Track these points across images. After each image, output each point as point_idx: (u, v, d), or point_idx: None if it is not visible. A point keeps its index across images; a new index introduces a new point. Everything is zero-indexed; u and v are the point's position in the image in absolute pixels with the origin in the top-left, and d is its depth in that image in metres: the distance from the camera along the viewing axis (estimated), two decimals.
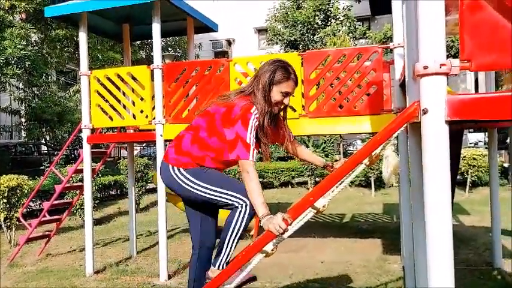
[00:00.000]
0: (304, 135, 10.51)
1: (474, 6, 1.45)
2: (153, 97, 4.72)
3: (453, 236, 5.11)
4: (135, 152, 16.45)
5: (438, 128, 1.51)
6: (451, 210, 4.90)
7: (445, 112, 1.49)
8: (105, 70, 5.12)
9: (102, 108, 4.92)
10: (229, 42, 21.25)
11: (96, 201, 8.97)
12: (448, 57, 1.49)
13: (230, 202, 2.43)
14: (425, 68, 1.50)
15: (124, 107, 4.99)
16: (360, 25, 15.88)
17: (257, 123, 2.40)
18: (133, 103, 4.87)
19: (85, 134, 4.92)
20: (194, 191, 2.48)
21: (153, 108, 4.72)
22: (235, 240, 2.45)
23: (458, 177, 10.01)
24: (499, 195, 4.63)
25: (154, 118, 4.67)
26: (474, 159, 9.73)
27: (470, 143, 13.67)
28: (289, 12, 15.96)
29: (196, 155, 2.51)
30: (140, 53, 15.51)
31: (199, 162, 2.51)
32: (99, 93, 4.90)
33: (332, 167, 2.71)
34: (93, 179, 5.76)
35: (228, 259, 2.47)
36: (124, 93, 4.97)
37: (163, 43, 16.18)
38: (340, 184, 1.94)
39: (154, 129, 4.65)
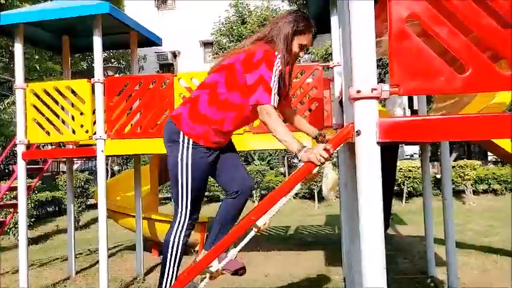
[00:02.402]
0: (250, 150, 10.59)
1: (401, 34, 1.56)
2: (94, 112, 4.59)
3: (391, 246, 5.35)
4: (75, 166, 15.81)
5: (370, 148, 1.59)
6: (389, 221, 5.05)
7: (376, 134, 1.58)
8: (43, 83, 4.92)
9: (39, 123, 4.71)
10: (174, 55, 21.05)
11: (33, 219, 8.52)
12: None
13: (179, 207, 2.42)
14: (358, 92, 1.58)
15: (63, 121, 4.81)
16: None
17: (280, 68, 2.27)
18: (73, 118, 4.71)
19: (20, 149, 4.69)
20: (178, 172, 2.38)
21: (94, 123, 4.58)
22: (171, 265, 2.43)
23: (395, 188, 10.50)
24: (432, 205, 4.90)
25: (95, 133, 4.54)
26: (410, 170, 10.23)
27: (407, 155, 14.35)
28: (234, 27, 16.13)
29: (215, 119, 2.35)
30: (81, 64, 15.02)
31: (218, 126, 2.36)
32: (35, 107, 4.69)
33: (324, 137, 2.61)
34: (29, 195, 5.50)
35: (171, 281, 2.42)
36: (63, 108, 4.80)
37: (106, 55, 15.78)
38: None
39: (95, 145, 4.53)
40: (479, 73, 1.52)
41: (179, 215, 2.42)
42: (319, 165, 1.88)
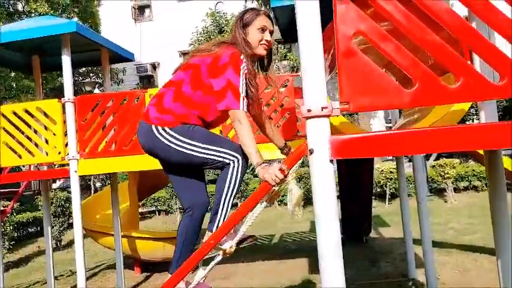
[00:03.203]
0: None
1: (348, 53, 1.57)
2: (66, 133, 4.54)
3: (373, 249, 5.36)
4: (58, 184, 15.58)
5: (324, 166, 1.60)
6: (371, 226, 5.08)
7: (329, 152, 1.59)
8: (13, 105, 4.86)
9: (10, 146, 4.63)
10: (153, 66, 20.95)
11: (13, 242, 8.36)
12: None
13: (221, 159, 2.28)
14: (309, 111, 1.59)
15: (36, 143, 4.73)
16: (281, 47, 16.41)
17: (246, 70, 2.28)
18: (47, 141, 4.64)
19: None
20: (183, 150, 2.29)
21: (67, 144, 4.53)
22: (231, 199, 2.28)
23: (378, 189, 10.58)
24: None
25: (68, 154, 4.48)
26: (391, 172, 10.31)
27: (388, 157, 14.47)
28: (212, 36, 16.14)
29: (180, 113, 2.33)
30: (59, 79, 14.86)
31: (184, 120, 2.33)
32: (5, 130, 4.61)
33: (290, 149, 2.62)
34: (7, 218, 5.39)
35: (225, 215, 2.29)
36: (35, 130, 4.73)
37: (84, 69, 15.63)
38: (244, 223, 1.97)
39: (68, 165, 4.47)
40: (426, 88, 1.54)
41: (231, 164, 2.27)
42: (275, 186, 1.87)
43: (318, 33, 1.60)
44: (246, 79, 2.26)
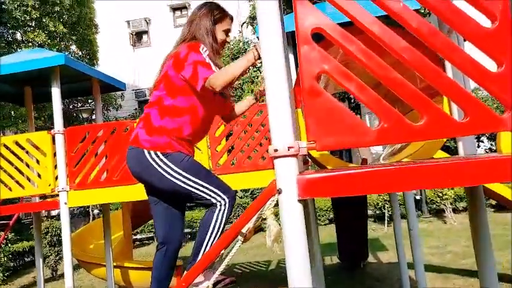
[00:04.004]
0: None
1: (312, 92, 1.57)
2: (55, 165, 4.54)
3: (370, 275, 5.29)
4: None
5: (292, 206, 1.58)
6: (367, 251, 5.01)
7: (296, 191, 1.57)
8: (3, 138, 4.87)
9: None
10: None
11: (9, 272, 8.27)
12: None
13: (208, 198, 2.24)
14: (276, 150, 1.58)
15: (28, 177, 4.74)
16: None
17: (208, 53, 2.26)
18: (39, 175, 4.64)
19: None
20: (172, 179, 2.23)
21: (57, 178, 4.53)
22: (214, 242, 2.21)
23: (377, 212, 10.50)
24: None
25: (58, 186, 4.47)
26: (389, 194, 10.24)
27: None
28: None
29: (172, 127, 2.28)
30: None
31: (178, 134, 2.29)
32: None
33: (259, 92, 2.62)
34: (0, 248, 5.36)
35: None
36: (27, 164, 4.74)
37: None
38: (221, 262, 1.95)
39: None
40: (391, 126, 1.53)
41: (218, 204, 2.25)
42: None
43: (282, 68, 1.61)
44: (208, 59, 2.24)
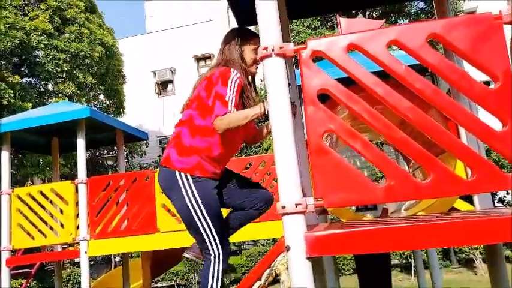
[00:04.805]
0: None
1: (319, 150, 1.61)
2: (77, 214, 4.64)
3: None
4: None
5: (300, 264, 1.57)
6: None
7: (305, 249, 1.57)
8: (28, 188, 5.04)
9: (23, 227, 4.75)
10: None
11: None
12: None
13: (206, 241, 2.29)
14: (283, 207, 1.60)
15: (47, 224, 4.84)
16: None
17: (238, 81, 2.29)
18: (61, 224, 4.75)
19: (4, 256, 4.67)
20: (192, 212, 2.28)
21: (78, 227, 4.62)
22: None
23: (403, 261, 10.16)
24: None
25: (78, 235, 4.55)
26: None
27: None
28: None
29: (204, 147, 2.32)
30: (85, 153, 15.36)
31: (207, 153, 2.32)
32: (20, 212, 4.75)
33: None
34: None
35: None
36: (51, 214, 4.86)
37: None
38: None
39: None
40: (398, 184, 1.54)
41: (212, 254, 2.30)
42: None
43: (289, 126, 1.64)
44: (237, 87, 2.28)
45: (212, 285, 2.26)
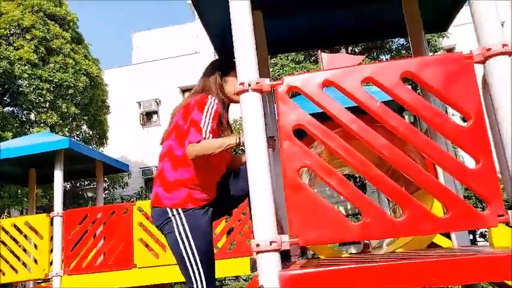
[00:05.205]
0: None
1: (294, 187, 1.59)
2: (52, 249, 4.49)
3: None
4: None
5: None
6: None
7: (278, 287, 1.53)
8: (1, 221, 4.88)
9: None
10: None
11: None
12: None
13: (192, 279, 2.21)
14: (258, 245, 1.56)
15: (19, 259, 4.67)
16: None
17: (215, 107, 2.26)
18: (35, 260, 4.59)
19: None
20: (182, 248, 2.22)
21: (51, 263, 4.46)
22: None
23: None
24: None
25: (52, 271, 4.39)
26: None
27: None
28: None
29: (188, 177, 2.26)
30: (64, 185, 15.09)
31: (194, 182, 2.26)
32: None
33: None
34: None
35: None
36: (24, 248, 4.70)
37: None
38: None
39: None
40: (373, 221, 1.52)
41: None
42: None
43: (265, 163, 1.62)
44: (214, 113, 2.26)
45: None
